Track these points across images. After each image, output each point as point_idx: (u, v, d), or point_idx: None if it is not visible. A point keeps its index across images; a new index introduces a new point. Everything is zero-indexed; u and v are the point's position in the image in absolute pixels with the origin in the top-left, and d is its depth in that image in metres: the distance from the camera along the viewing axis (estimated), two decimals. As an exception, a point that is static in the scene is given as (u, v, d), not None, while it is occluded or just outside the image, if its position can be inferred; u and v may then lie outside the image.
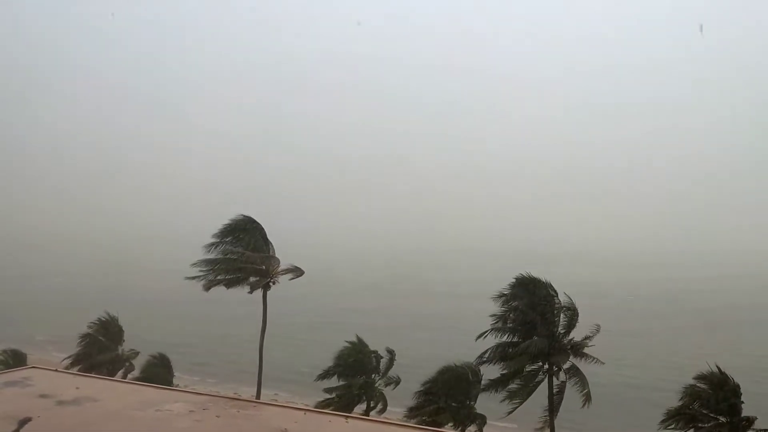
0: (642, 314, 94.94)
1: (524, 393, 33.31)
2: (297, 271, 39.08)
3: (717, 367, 29.44)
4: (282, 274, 38.95)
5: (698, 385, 29.77)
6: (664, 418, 29.44)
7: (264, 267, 38.28)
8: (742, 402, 28.55)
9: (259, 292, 38.92)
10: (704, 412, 29.23)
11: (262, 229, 38.84)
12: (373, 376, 37.12)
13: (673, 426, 29.19)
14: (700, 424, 28.90)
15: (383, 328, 74.52)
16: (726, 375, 29.07)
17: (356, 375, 36.58)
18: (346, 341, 38.04)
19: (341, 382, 36.58)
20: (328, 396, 36.34)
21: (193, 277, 37.53)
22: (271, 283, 38.53)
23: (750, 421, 28.17)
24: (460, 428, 33.76)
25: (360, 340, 37.94)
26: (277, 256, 39.22)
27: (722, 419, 28.70)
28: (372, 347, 37.74)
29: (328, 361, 37.26)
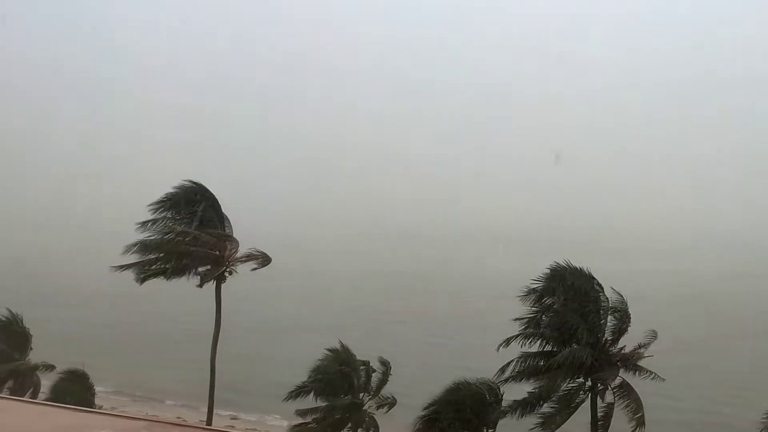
0: (691, 318, 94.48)
1: (559, 418, 32.14)
2: (262, 258, 38.68)
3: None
4: (242, 262, 38.37)
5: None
6: None
7: (218, 251, 37.57)
8: None
9: (211, 286, 38.36)
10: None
11: (216, 201, 37.95)
12: (361, 395, 36.59)
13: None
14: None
15: (375, 333, 74.06)
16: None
17: (339, 393, 36.08)
18: (327, 349, 37.42)
19: (320, 403, 35.99)
20: (302, 420, 36.05)
21: (123, 267, 36.87)
22: (226, 273, 37.94)
23: None
24: None
25: (345, 348, 37.30)
26: (236, 236, 38.69)
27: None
28: (360, 357, 37.41)
29: (302, 375, 36.74)
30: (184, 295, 41.25)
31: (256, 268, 38.27)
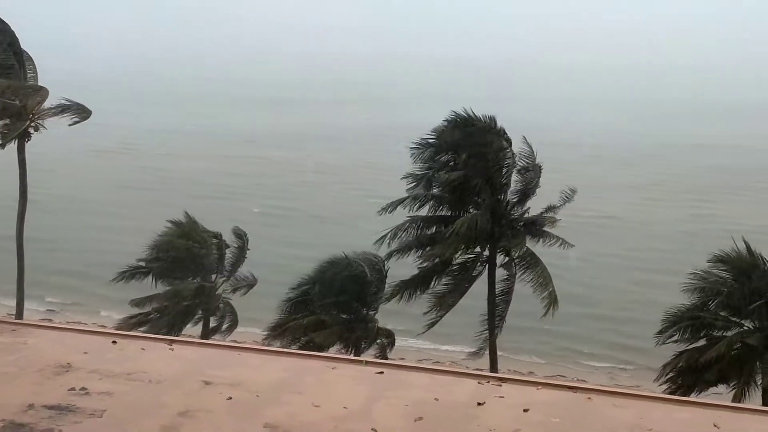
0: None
1: (453, 296, 33.50)
2: (78, 111, 38.14)
3: (745, 243, 29.82)
4: (52, 115, 38.02)
5: (714, 272, 30.33)
6: (661, 326, 30.25)
7: (18, 102, 36.93)
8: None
9: (12, 147, 38.09)
10: (722, 314, 29.97)
11: (15, 37, 36.82)
12: (214, 276, 36.79)
13: (676, 337, 29.91)
14: (715, 332, 29.67)
15: (234, 203, 73.09)
16: (757, 256, 29.64)
17: (185, 274, 36.26)
18: (169, 221, 37.24)
19: (161, 287, 35.99)
20: (139, 311, 35.92)
21: None
22: (31, 130, 37.51)
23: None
24: (352, 351, 33.46)
25: (191, 219, 37.28)
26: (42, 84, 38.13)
27: (748, 325, 29.57)
28: (211, 228, 37.46)
29: (137, 253, 36.59)
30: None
31: (74, 123, 37.89)
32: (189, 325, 36.63)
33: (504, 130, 33.23)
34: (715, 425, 7.77)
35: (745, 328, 29.45)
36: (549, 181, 35.14)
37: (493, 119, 33.22)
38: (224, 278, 36.97)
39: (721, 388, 29.74)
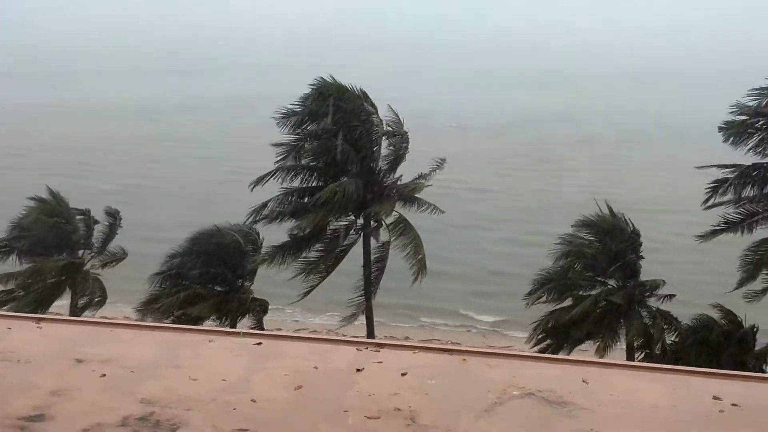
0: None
1: (327, 263, 33.64)
2: None
3: (607, 206, 31.07)
4: None
5: (579, 236, 31.56)
6: (530, 288, 31.30)
7: None
8: (641, 257, 30.72)
9: None
10: (587, 275, 31.20)
11: None
12: (82, 252, 35.90)
13: (544, 298, 30.98)
14: (581, 293, 30.84)
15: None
16: (619, 217, 30.93)
17: (52, 252, 35.17)
18: (32, 198, 36.22)
19: (25, 265, 34.84)
20: (2, 288, 34.66)
21: None
22: None
23: (653, 286, 30.50)
24: (227, 322, 33.28)
25: (55, 196, 36.22)
26: None
27: (612, 284, 30.86)
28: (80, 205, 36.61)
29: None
30: None
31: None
32: (57, 302, 35.63)
33: (368, 96, 33.42)
34: (583, 381, 8.01)
35: (609, 286, 30.92)
36: (416, 153, 35.46)
37: (358, 87, 33.44)
38: (93, 254, 36.02)
39: (589, 345, 31.16)
